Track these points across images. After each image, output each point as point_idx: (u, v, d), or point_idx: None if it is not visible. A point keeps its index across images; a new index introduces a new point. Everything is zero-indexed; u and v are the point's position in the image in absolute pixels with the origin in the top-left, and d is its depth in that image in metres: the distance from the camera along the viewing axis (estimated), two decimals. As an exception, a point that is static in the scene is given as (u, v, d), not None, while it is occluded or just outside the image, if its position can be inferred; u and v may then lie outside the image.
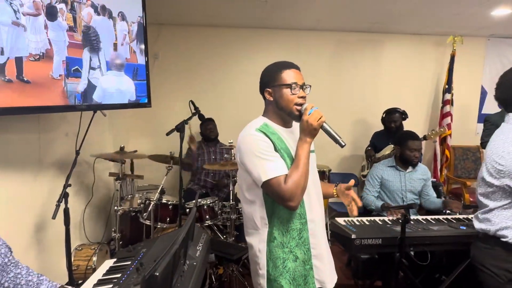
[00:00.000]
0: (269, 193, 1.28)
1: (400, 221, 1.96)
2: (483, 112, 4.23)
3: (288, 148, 1.34)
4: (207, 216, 2.67)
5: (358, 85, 4.13)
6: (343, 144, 1.28)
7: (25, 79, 1.57)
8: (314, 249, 1.34)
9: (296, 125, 1.39)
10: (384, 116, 3.62)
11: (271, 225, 1.33)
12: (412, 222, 2.23)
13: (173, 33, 3.98)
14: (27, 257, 2.18)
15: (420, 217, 2.38)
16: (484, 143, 3.59)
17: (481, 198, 1.51)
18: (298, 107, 1.31)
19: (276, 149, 1.29)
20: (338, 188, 1.48)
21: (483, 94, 4.24)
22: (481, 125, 4.02)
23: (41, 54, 1.63)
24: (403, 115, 3.53)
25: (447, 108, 3.96)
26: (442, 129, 3.30)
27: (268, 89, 1.36)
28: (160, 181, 2.78)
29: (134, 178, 2.93)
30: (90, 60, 1.89)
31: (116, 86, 2.14)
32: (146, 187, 3.48)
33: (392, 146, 3.45)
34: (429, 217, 2.40)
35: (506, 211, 1.41)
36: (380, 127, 3.71)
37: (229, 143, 2.86)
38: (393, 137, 3.52)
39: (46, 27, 1.65)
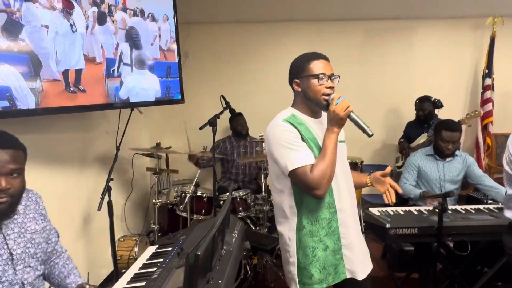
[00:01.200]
0: (296, 182, 1.31)
1: (437, 210, 1.91)
2: (528, 96, 3.98)
3: (316, 138, 1.35)
4: (241, 208, 2.74)
5: (390, 74, 4.01)
6: (371, 133, 1.28)
7: (81, 88, 1.72)
8: (344, 238, 1.35)
9: (324, 115, 1.40)
10: (416, 102, 3.52)
11: (300, 213, 1.35)
12: (450, 212, 2.17)
13: (201, 32, 4.07)
14: (76, 247, 2.36)
15: (458, 207, 2.31)
16: (529, 130, 3.39)
17: (507, 186, 1.47)
18: (326, 97, 1.32)
19: (303, 139, 1.31)
20: (372, 177, 1.48)
21: (528, 77, 3.98)
22: (526, 111, 3.80)
23: (93, 58, 1.76)
24: (436, 104, 3.40)
25: (488, 94, 3.75)
26: (476, 112, 3.14)
27: (296, 80, 1.38)
28: (194, 175, 2.88)
29: (170, 172, 3.05)
30: (125, 59, 2.00)
31: (140, 85, 2.24)
32: (181, 182, 3.61)
33: (427, 134, 3.34)
34: (468, 207, 2.32)
35: None
36: (413, 116, 3.60)
37: (260, 136, 2.90)
38: (426, 127, 3.42)
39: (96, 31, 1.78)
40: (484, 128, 3.84)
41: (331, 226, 1.34)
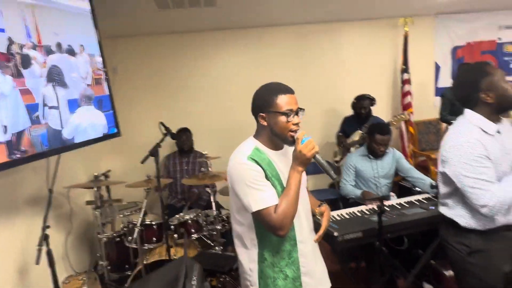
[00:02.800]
0: (259, 221, 1.32)
1: (377, 212, 2.09)
2: (438, 86, 4.48)
3: (279, 174, 1.36)
4: (193, 230, 2.70)
5: (323, 75, 4.22)
6: (334, 176, 1.32)
7: (23, 149, 1.54)
8: (303, 267, 1.40)
9: (287, 147, 1.42)
10: (354, 101, 3.70)
11: (261, 246, 1.38)
12: (388, 209, 2.38)
13: (129, 45, 3.86)
14: (15, 305, 2.13)
15: (394, 203, 2.54)
16: (442, 117, 3.84)
17: (439, 183, 1.66)
18: (293, 133, 1.33)
19: (267, 177, 1.32)
20: (318, 211, 1.54)
21: (437, 69, 4.47)
22: (438, 98, 4.26)
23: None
24: (372, 101, 3.65)
25: (407, 87, 4.15)
26: (402, 115, 3.47)
27: (262, 114, 1.35)
28: (137, 196, 2.74)
29: (113, 203, 2.89)
30: (49, 99, 1.82)
31: (87, 122, 2.08)
32: (126, 206, 3.42)
33: (360, 132, 3.60)
34: (402, 201, 2.57)
35: (454, 197, 1.57)
36: (349, 112, 3.83)
37: (204, 154, 2.86)
38: (361, 123, 3.67)
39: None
40: (406, 118, 4.24)
41: (292, 257, 1.39)
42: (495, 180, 1.44)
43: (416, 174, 2.81)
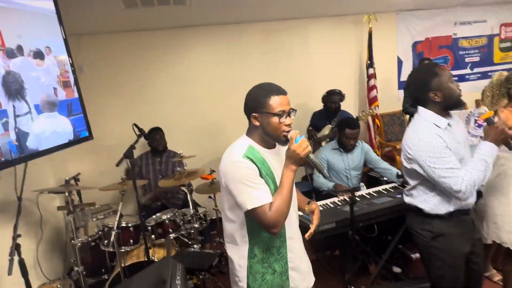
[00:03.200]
0: (253, 219, 1.34)
1: (349, 203, 2.21)
2: (401, 79, 4.70)
3: (273, 172, 1.39)
4: (170, 230, 2.70)
5: (292, 71, 4.29)
6: (327, 175, 1.38)
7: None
8: (291, 262, 1.46)
9: (279, 145, 1.45)
10: (325, 95, 3.78)
11: (251, 243, 1.41)
12: (358, 199, 2.51)
13: (94, 43, 3.73)
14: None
15: (364, 193, 2.68)
16: (405, 109, 4.05)
17: (405, 176, 1.78)
18: (286, 133, 1.35)
19: (261, 175, 1.34)
20: (308, 208, 1.59)
21: (400, 63, 4.69)
22: (401, 91, 4.49)
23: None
24: (342, 97, 3.77)
25: (372, 81, 4.33)
26: (370, 111, 3.64)
27: (254, 114, 1.37)
28: (110, 198, 2.69)
29: (86, 207, 2.82)
30: (14, 108, 1.74)
31: (51, 129, 2.01)
32: (99, 209, 3.34)
33: (330, 126, 3.72)
34: (371, 190, 2.71)
35: (421, 187, 1.69)
36: (319, 107, 3.93)
37: (179, 153, 2.86)
38: (331, 117, 3.79)
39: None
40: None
41: (280, 253, 1.43)
42: (460, 166, 1.56)
43: (383, 165, 2.97)
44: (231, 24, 4.04)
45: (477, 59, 4.97)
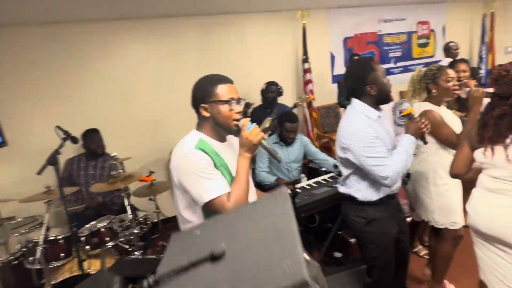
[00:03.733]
0: (212, 212, 1.28)
1: (291, 195, 2.26)
2: (334, 74, 4.94)
3: (227, 164, 1.35)
4: (107, 238, 2.51)
5: (230, 66, 4.25)
6: (281, 159, 1.40)
7: None
8: None
9: (231, 137, 1.42)
10: (264, 87, 3.82)
11: None
12: (300, 191, 2.57)
13: (8, 36, 3.30)
14: None
15: (305, 184, 2.76)
16: (339, 102, 4.27)
17: (339, 166, 1.88)
18: (237, 122, 1.33)
19: (216, 167, 1.30)
20: None
21: (332, 58, 4.93)
22: (335, 85, 4.71)
23: None
24: (279, 90, 3.83)
25: (308, 76, 4.48)
26: (306, 96, 3.77)
27: (203, 105, 1.34)
28: (38, 209, 2.41)
29: (4, 222, 2.50)
30: None
31: None
32: (21, 222, 3.00)
33: (270, 118, 3.77)
34: (311, 182, 2.80)
35: (354, 176, 1.80)
36: (258, 102, 3.95)
37: (113, 156, 2.66)
38: (270, 110, 3.84)
39: None
40: (309, 104, 4.60)
41: None
42: (388, 155, 1.68)
43: (321, 156, 3.09)
44: (166, 17, 3.86)
45: (399, 54, 5.42)
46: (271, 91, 3.78)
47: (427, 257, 2.76)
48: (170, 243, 0.76)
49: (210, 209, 1.28)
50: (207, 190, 1.25)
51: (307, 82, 4.51)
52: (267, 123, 3.81)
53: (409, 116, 1.78)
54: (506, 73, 1.53)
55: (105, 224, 2.52)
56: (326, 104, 4.88)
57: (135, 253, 2.65)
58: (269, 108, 3.82)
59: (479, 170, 1.69)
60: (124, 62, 3.77)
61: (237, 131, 1.35)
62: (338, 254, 2.93)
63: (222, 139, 1.42)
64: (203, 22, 4.08)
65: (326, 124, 4.89)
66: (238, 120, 1.34)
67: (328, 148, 4.62)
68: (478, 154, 1.63)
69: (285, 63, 4.62)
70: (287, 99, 4.24)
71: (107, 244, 2.49)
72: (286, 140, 2.98)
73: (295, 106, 3.71)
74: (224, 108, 1.33)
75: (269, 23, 4.44)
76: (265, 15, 4.39)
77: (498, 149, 1.54)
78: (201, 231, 0.73)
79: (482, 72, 5.49)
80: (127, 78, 3.78)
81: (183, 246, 0.69)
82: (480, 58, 5.68)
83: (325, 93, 4.84)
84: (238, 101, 1.36)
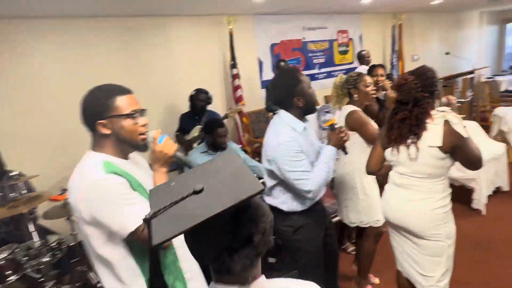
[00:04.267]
0: (137, 240, 1.13)
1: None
2: (263, 79, 5.01)
3: (140, 182, 1.21)
4: (10, 272, 2.16)
5: (156, 71, 4.04)
6: (195, 166, 1.29)
7: None
8: (186, 273, 1.30)
9: (132, 155, 1.29)
10: (193, 93, 3.69)
11: (145, 273, 1.19)
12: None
13: None
14: None
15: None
16: (267, 107, 4.31)
17: (266, 176, 1.86)
18: (143, 136, 1.22)
19: (133, 188, 1.16)
20: None
21: (260, 64, 4.99)
22: (264, 90, 4.77)
23: None
24: (209, 98, 3.72)
25: (237, 81, 4.46)
26: (238, 107, 3.75)
27: (101, 121, 1.16)
28: None
29: None
30: None
31: None
32: None
33: (199, 126, 3.65)
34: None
35: (279, 187, 1.80)
36: (186, 108, 3.80)
37: (15, 175, 2.30)
38: (199, 118, 3.72)
39: None
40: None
41: (176, 267, 1.27)
42: (310, 169, 1.70)
43: (252, 163, 3.08)
44: (82, 18, 3.51)
45: (323, 60, 5.71)
46: (200, 99, 3.68)
47: (354, 253, 2.91)
48: (151, 196, 0.86)
49: (136, 238, 1.13)
50: (132, 216, 1.09)
51: (236, 88, 4.49)
52: (196, 131, 3.69)
53: (331, 127, 1.82)
54: (405, 81, 1.65)
55: (6, 255, 2.16)
56: (256, 110, 4.91)
57: (48, 284, 2.33)
58: (198, 116, 3.70)
59: (390, 167, 1.82)
60: (31, 67, 3.32)
61: (144, 146, 1.24)
62: (272, 260, 2.93)
63: (126, 157, 1.28)
64: (124, 24, 3.81)
65: (257, 129, 4.92)
66: (143, 133, 1.24)
67: (259, 153, 4.63)
68: (388, 152, 1.77)
69: (213, 68, 4.55)
70: (216, 105, 4.17)
71: (9, 279, 2.14)
72: (220, 146, 2.90)
73: (226, 116, 3.65)
74: (127, 122, 1.19)
75: (197, 27, 4.33)
76: (190, 19, 4.27)
77: (402, 148, 1.67)
78: (176, 182, 0.85)
79: (395, 77, 6.06)
80: (35, 85, 3.33)
81: (165, 193, 0.81)
82: (392, 65, 6.26)
83: (255, 98, 4.87)
84: (142, 112, 1.24)
